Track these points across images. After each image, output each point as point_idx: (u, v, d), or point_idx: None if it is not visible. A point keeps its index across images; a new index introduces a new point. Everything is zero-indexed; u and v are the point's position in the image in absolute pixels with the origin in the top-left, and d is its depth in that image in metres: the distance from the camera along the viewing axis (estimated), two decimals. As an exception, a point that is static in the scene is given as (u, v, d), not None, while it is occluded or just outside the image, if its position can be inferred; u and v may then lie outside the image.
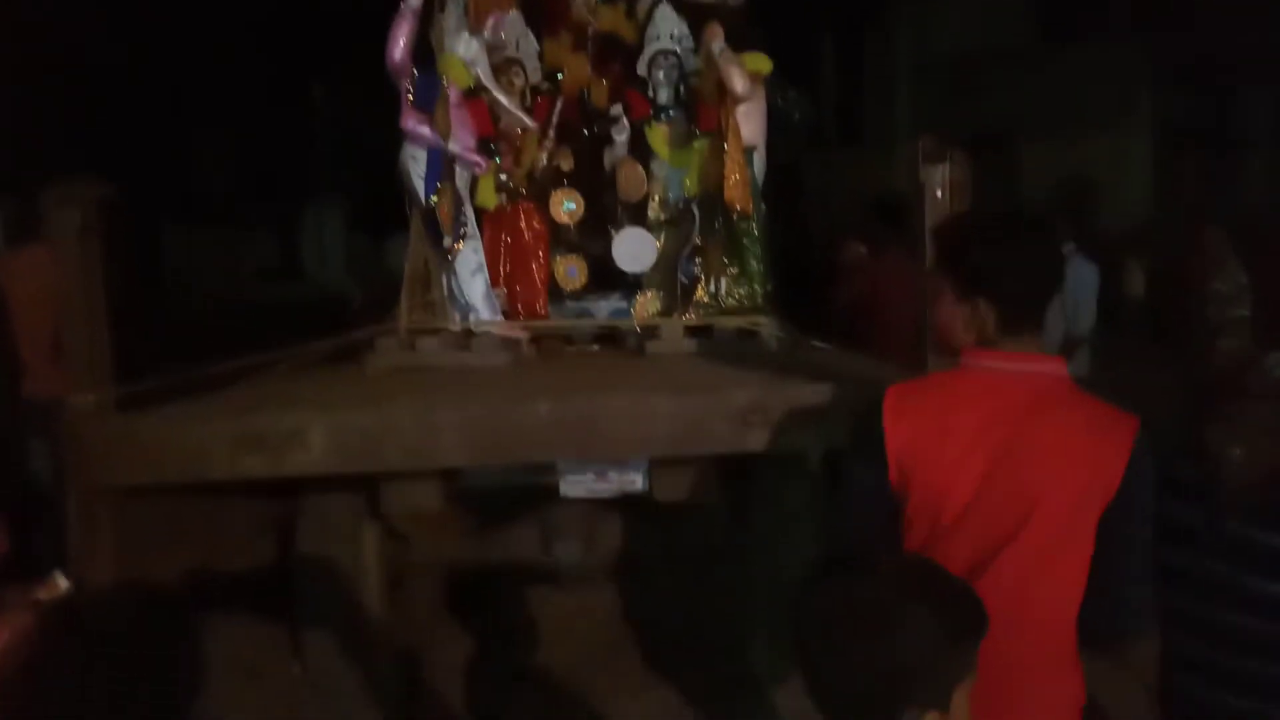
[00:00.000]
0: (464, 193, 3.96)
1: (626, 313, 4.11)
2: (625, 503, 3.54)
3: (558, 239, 4.22)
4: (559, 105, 4.20)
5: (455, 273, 3.90)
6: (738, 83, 3.80)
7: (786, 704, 3.42)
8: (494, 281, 4.02)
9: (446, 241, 3.89)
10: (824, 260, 4.57)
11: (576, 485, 3.33)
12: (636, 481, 3.33)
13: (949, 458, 1.76)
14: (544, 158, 4.14)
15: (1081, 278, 4.42)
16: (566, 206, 4.16)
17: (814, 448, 3.26)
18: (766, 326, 3.73)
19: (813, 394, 2.95)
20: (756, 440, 2.88)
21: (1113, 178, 5.68)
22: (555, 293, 4.21)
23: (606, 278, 4.24)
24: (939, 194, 2.80)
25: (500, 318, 3.94)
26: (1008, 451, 1.74)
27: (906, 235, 3.72)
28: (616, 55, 4.28)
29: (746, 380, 3.05)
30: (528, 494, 3.70)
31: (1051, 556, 1.73)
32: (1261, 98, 9.17)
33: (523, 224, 4.15)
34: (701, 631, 3.90)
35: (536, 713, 3.46)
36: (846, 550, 1.77)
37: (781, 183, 4.63)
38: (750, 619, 3.61)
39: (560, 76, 4.27)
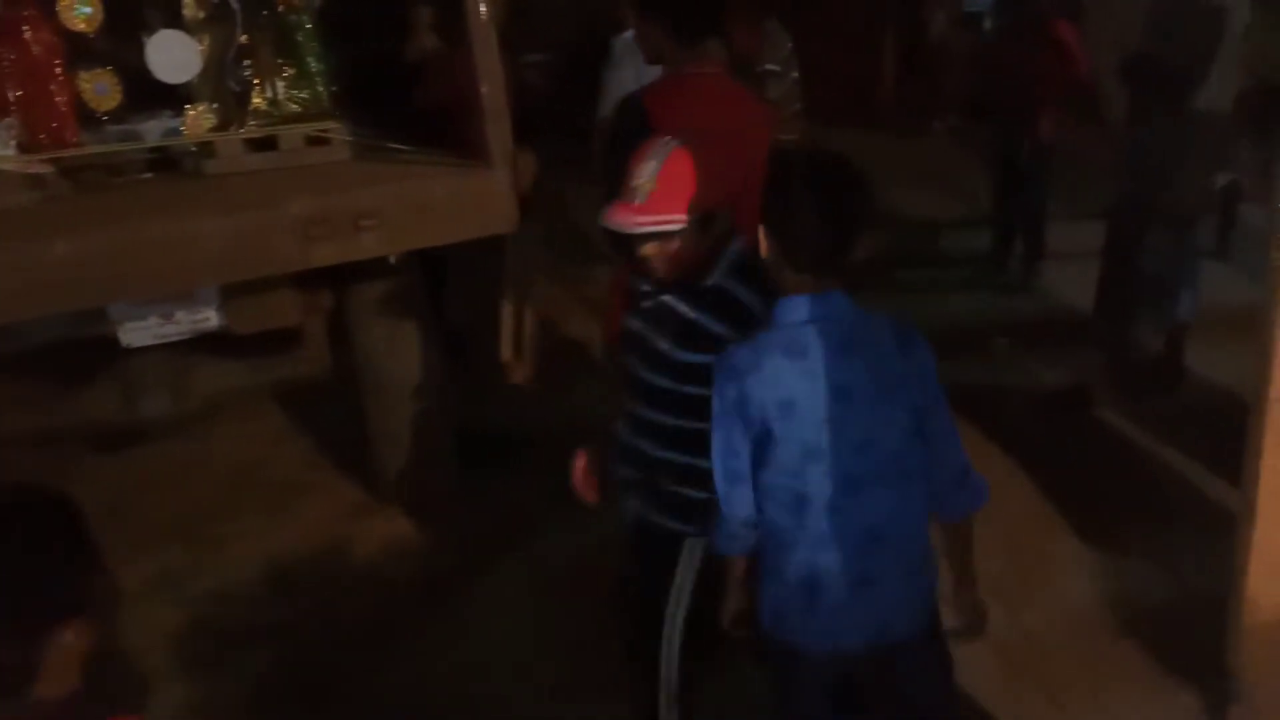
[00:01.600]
0: (-62, -2, 3.22)
1: (180, 132, 3.62)
2: (211, 341, 3.26)
3: (79, 51, 3.57)
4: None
5: (-58, 102, 3.21)
6: None
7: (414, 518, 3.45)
8: (1, 109, 3.36)
9: (-78, 62, 3.17)
10: (397, 54, 4.24)
11: (139, 332, 3.00)
12: (210, 318, 3.05)
13: None
14: (36, -52, 3.42)
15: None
16: (80, 11, 3.47)
17: (395, 251, 3.13)
18: (336, 131, 3.44)
19: (381, 197, 2.80)
20: (323, 253, 2.70)
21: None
22: (91, 117, 3.61)
23: (151, 94, 3.68)
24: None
25: (15, 151, 3.33)
26: None
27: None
28: None
29: (310, 190, 2.82)
30: (96, 349, 3.30)
31: None
32: None
33: (28, 35, 3.45)
34: (319, 458, 3.78)
35: (164, 573, 3.22)
36: None
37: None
38: (370, 434, 3.53)
39: None
